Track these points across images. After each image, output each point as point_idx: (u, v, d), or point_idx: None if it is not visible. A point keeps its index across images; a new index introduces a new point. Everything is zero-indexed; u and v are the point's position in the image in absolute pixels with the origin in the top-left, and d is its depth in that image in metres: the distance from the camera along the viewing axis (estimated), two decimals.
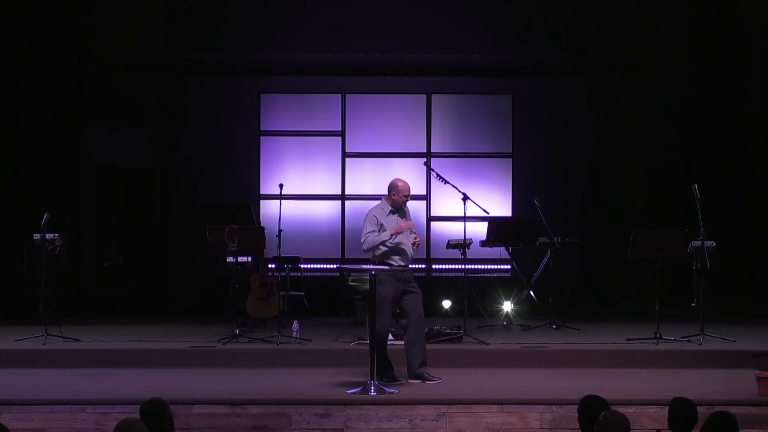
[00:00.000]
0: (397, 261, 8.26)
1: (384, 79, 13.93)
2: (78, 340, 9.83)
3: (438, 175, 9.79)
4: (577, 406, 5.52)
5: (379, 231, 8.23)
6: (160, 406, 5.37)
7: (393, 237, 8.24)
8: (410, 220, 8.51)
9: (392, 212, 8.37)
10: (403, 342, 8.53)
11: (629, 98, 13.62)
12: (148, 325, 11.26)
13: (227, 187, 13.57)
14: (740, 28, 13.29)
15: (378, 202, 8.56)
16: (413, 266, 8.63)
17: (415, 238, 8.42)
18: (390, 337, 9.65)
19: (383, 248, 8.24)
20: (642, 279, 11.23)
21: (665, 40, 13.49)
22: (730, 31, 13.27)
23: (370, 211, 8.40)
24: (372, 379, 7.74)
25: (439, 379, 8.25)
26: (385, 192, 8.47)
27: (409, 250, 8.36)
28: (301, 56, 13.40)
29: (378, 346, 8.06)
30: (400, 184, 8.40)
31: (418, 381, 8.21)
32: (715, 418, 5.16)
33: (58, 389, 7.95)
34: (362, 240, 8.28)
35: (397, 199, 8.37)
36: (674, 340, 9.73)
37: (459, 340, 9.75)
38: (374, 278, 8.06)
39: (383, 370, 8.15)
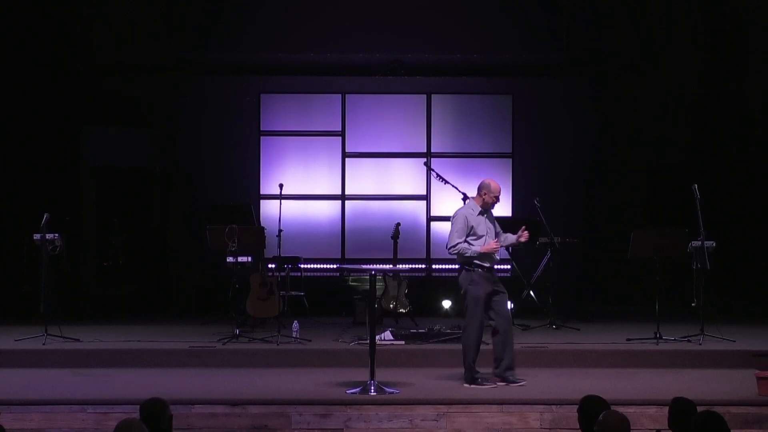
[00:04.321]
0: (485, 262, 8.17)
1: (384, 79, 13.93)
2: (78, 340, 9.83)
3: (438, 175, 9.77)
4: (577, 406, 5.51)
5: (468, 234, 8.13)
6: (160, 406, 5.36)
7: (480, 246, 8.13)
8: (494, 221, 8.38)
9: (481, 213, 8.26)
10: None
11: (630, 98, 13.63)
12: (148, 325, 11.26)
13: (227, 187, 13.58)
14: (741, 29, 13.28)
15: (461, 206, 8.50)
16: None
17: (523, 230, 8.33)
18: (389, 336, 9.68)
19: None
20: (642, 279, 11.22)
21: (667, 40, 13.48)
22: (732, 31, 13.27)
23: (459, 211, 8.30)
24: (372, 379, 7.73)
25: (524, 381, 8.12)
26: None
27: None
28: (301, 56, 13.39)
29: (473, 346, 8.06)
30: (492, 184, 8.32)
31: (503, 383, 8.06)
32: (702, 419, 5.12)
33: (58, 389, 7.95)
34: (453, 244, 8.14)
35: (487, 199, 8.27)
36: (674, 340, 9.73)
37: (459, 340, 9.71)
38: (373, 279, 8.08)
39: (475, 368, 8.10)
